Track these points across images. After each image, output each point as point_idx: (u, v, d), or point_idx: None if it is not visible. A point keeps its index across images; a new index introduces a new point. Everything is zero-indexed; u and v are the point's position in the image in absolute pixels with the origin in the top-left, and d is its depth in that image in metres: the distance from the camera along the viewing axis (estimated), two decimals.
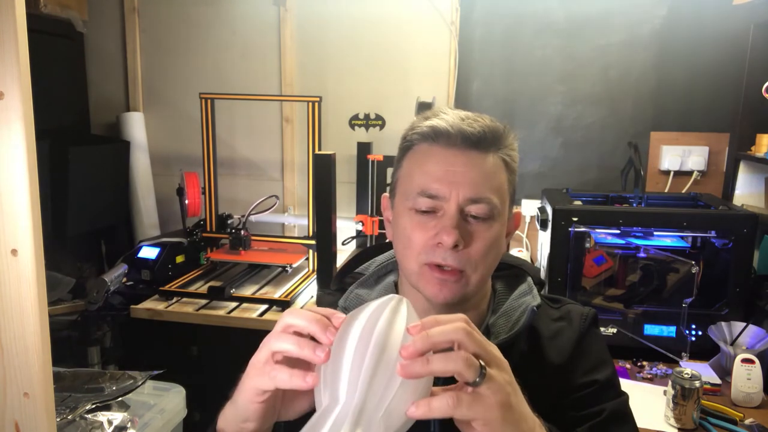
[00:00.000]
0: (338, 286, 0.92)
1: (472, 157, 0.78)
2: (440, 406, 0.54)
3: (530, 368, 0.81)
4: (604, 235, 1.80)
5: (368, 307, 0.60)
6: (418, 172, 0.79)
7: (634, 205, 1.91)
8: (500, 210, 0.79)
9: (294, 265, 2.20)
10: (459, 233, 0.75)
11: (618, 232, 1.77)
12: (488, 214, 0.77)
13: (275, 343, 0.59)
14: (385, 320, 0.58)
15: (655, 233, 1.79)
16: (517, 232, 2.40)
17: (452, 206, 0.76)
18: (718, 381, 1.54)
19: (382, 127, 2.30)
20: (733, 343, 1.58)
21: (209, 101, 2.22)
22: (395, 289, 0.90)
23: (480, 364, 0.56)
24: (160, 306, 1.99)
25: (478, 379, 0.55)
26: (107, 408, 1.36)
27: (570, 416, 0.80)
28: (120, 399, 1.40)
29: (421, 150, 0.81)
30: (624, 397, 0.85)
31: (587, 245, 1.79)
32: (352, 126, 2.32)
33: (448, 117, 0.79)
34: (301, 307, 1.99)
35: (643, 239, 1.79)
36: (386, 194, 0.90)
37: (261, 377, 0.60)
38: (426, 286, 0.78)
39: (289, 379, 0.57)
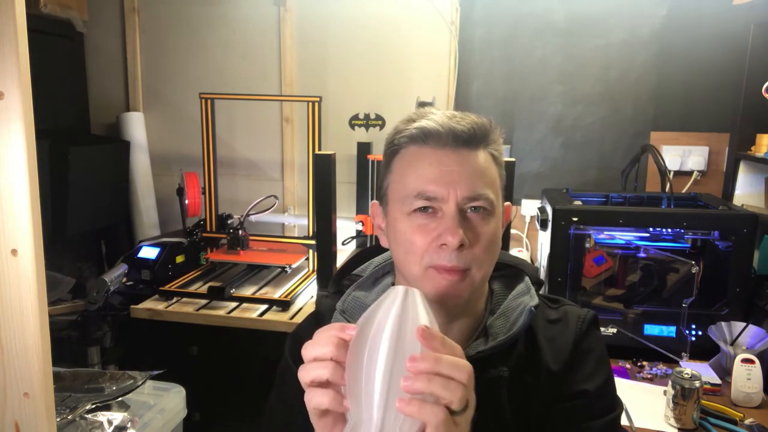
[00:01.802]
0: (336, 289, 0.92)
1: (464, 155, 0.77)
2: (431, 416, 0.57)
3: (527, 370, 0.81)
4: (628, 237, 1.80)
5: (377, 314, 0.61)
6: (411, 175, 0.78)
7: (664, 206, 1.91)
8: (496, 205, 0.79)
9: (293, 266, 2.20)
10: (463, 233, 0.74)
11: (648, 234, 1.77)
12: (486, 211, 0.77)
13: (303, 376, 0.62)
14: (392, 330, 0.59)
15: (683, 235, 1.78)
16: (517, 231, 2.41)
17: (451, 206, 0.76)
18: (718, 381, 1.53)
19: (382, 127, 2.30)
20: (733, 343, 1.58)
21: (209, 101, 2.22)
22: None
23: None
24: (160, 306, 1.99)
25: (459, 410, 0.59)
26: (107, 408, 1.36)
27: (559, 427, 0.80)
28: (120, 399, 1.40)
29: (410, 153, 0.79)
30: (615, 412, 0.83)
31: (587, 245, 1.79)
32: (352, 126, 2.32)
33: (436, 117, 0.79)
34: (301, 308, 1.99)
35: (673, 241, 1.79)
36: (375, 201, 0.88)
37: (311, 402, 0.62)
38: (432, 287, 0.77)
39: (330, 402, 0.60)
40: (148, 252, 2.20)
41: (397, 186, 0.80)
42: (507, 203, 0.87)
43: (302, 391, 0.63)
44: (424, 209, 0.77)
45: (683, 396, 1.34)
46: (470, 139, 0.77)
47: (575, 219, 1.72)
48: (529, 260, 2.33)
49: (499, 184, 0.81)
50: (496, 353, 0.80)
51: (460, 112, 0.81)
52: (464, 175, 0.76)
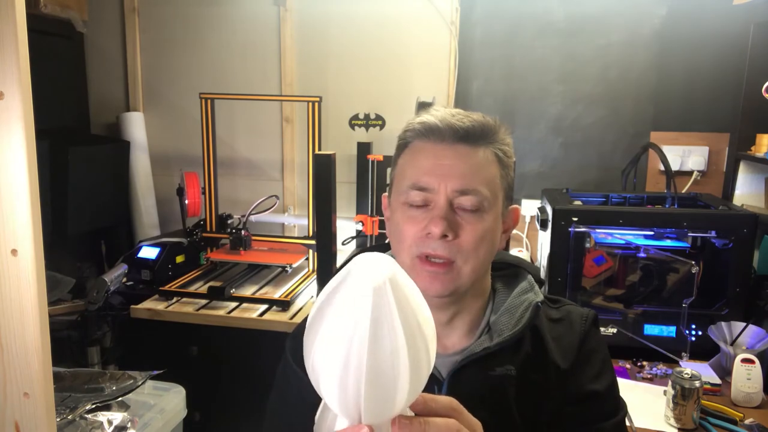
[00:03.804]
0: None
1: (461, 150, 0.79)
2: None
3: (535, 369, 0.81)
4: (628, 237, 1.80)
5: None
6: (409, 167, 0.81)
7: (667, 206, 1.92)
8: (491, 203, 0.79)
9: (294, 265, 2.20)
10: (447, 224, 0.76)
11: (652, 233, 1.77)
12: (477, 206, 0.78)
13: None
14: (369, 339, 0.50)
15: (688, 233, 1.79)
16: (517, 231, 2.40)
17: (441, 198, 0.78)
18: (718, 381, 1.53)
19: (382, 127, 2.30)
20: (733, 343, 1.58)
21: (209, 101, 2.22)
22: None
23: None
24: (160, 306, 1.99)
25: None
26: (107, 408, 1.36)
27: (572, 429, 0.80)
28: (120, 399, 1.40)
29: (414, 147, 0.83)
30: (623, 412, 0.85)
31: (587, 245, 1.79)
32: (352, 126, 2.32)
33: (438, 113, 0.81)
34: (301, 308, 1.99)
35: (673, 241, 1.79)
36: (385, 194, 0.91)
37: None
38: (417, 279, 0.78)
39: None
40: (148, 252, 2.20)
41: (399, 178, 0.84)
42: (514, 206, 0.87)
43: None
44: (416, 201, 0.79)
45: (683, 396, 1.34)
46: (467, 136, 0.79)
47: (575, 219, 1.72)
48: (529, 260, 2.33)
49: (500, 183, 0.82)
50: (503, 351, 0.80)
51: (470, 111, 0.83)
52: (457, 169, 0.78)
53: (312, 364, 0.53)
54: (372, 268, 0.51)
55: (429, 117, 0.81)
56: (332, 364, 0.51)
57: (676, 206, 1.90)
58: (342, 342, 0.50)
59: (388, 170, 0.91)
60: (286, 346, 0.90)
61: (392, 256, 0.88)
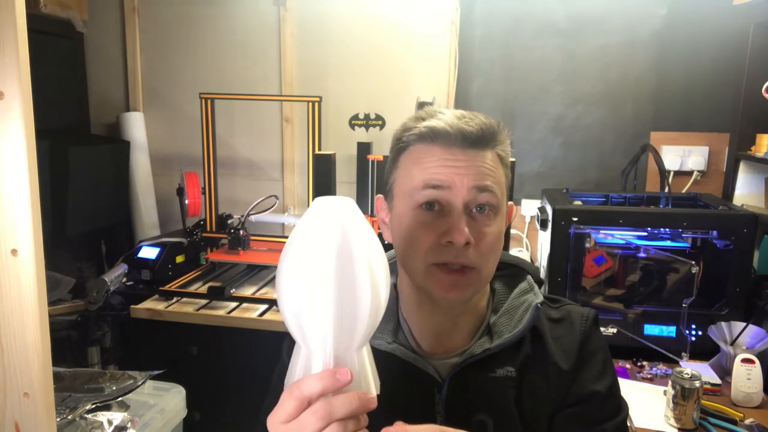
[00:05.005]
0: None
1: (471, 155, 0.77)
2: None
3: (536, 370, 0.81)
4: (628, 236, 1.80)
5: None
6: (418, 170, 0.78)
7: (661, 206, 1.92)
8: (501, 203, 0.79)
9: None
10: (468, 231, 0.74)
11: (646, 233, 1.78)
12: (492, 210, 0.77)
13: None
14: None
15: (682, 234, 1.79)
16: (517, 231, 2.41)
17: (458, 204, 0.75)
18: (718, 381, 1.53)
19: (382, 127, 2.30)
20: (733, 343, 1.58)
21: (209, 101, 2.22)
22: (395, 290, 0.89)
23: None
24: (160, 306, 1.99)
25: None
26: (107, 408, 1.36)
27: (570, 429, 0.80)
28: (120, 399, 1.40)
29: (418, 150, 0.79)
30: (624, 412, 0.84)
31: (587, 245, 1.79)
32: (352, 126, 2.32)
33: (445, 117, 0.78)
34: None
35: (673, 241, 1.79)
36: (380, 195, 0.88)
37: None
38: (435, 287, 0.77)
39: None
40: (148, 252, 2.20)
41: (404, 180, 0.80)
42: (510, 203, 0.86)
43: None
44: (430, 206, 0.76)
45: (683, 396, 1.34)
46: (478, 140, 0.77)
47: (575, 219, 1.72)
48: (529, 260, 2.33)
49: (505, 184, 0.81)
50: (503, 352, 0.80)
51: (469, 111, 0.80)
52: (471, 173, 0.76)
53: (282, 301, 0.61)
54: (335, 209, 0.61)
55: (437, 121, 0.78)
56: (300, 294, 0.59)
57: (669, 206, 1.90)
58: (309, 272, 0.58)
59: None
60: (283, 348, 0.90)
61: (393, 258, 0.88)
